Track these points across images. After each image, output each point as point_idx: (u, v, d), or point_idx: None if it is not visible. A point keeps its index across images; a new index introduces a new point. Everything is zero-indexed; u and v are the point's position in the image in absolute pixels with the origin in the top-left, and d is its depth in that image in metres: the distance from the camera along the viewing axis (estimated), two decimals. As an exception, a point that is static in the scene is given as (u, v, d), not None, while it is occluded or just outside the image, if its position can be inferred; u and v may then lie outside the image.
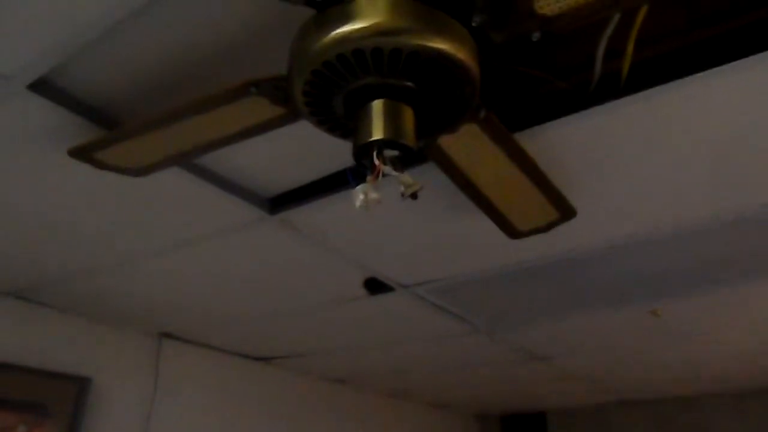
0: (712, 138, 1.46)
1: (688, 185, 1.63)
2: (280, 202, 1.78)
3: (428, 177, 1.54)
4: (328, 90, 0.98)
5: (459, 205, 1.71)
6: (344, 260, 2.08)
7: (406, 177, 0.96)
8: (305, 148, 1.54)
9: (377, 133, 0.93)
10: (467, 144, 1.28)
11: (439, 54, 0.92)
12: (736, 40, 1.27)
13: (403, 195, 0.97)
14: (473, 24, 0.95)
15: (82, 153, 1.41)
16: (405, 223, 1.84)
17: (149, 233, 1.92)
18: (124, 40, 1.24)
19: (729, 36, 1.29)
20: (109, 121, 1.46)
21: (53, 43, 1.23)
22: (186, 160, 1.53)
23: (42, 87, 1.35)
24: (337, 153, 1.53)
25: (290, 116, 1.18)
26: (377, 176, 0.93)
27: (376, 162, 0.93)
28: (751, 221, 1.81)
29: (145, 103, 1.41)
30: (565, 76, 1.38)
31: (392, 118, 0.94)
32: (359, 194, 0.93)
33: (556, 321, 2.65)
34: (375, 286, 2.28)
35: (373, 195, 0.93)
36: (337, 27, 0.91)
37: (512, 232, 1.64)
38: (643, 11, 1.15)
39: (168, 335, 2.98)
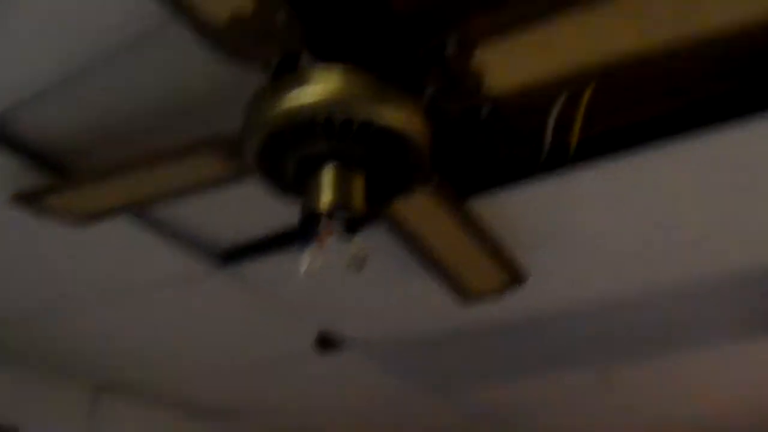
0: (658, 209, 1.51)
1: (636, 253, 1.66)
2: (232, 256, 1.76)
3: (382, 236, 1.54)
4: (279, 154, 0.98)
5: (412, 265, 1.71)
6: (295, 316, 2.05)
7: (354, 244, 0.95)
8: (258, 203, 1.53)
9: (326, 200, 0.93)
10: (419, 209, 1.29)
11: (390, 124, 0.93)
12: (679, 119, 1.33)
13: (350, 264, 0.96)
14: (425, 97, 0.97)
15: (26, 200, 1.37)
16: (358, 281, 1.82)
17: (90, 281, 1.86)
18: (78, 89, 1.23)
19: (673, 114, 1.35)
20: (58, 168, 1.43)
21: (4, 90, 1.21)
22: (136, 210, 1.50)
23: (-10, 132, 1.32)
24: (290, 210, 1.52)
25: (243, 174, 1.18)
26: (324, 243, 0.92)
27: (324, 228, 0.92)
28: (696, 290, 1.86)
29: (98, 152, 1.39)
30: (518, 145, 1.41)
31: (342, 185, 0.95)
32: (305, 261, 0.93)
33: (507, 383, 2.63)
34: (326, 342, 2.24)
35: (319, 263, 0.92)
36: (291, 95, 0.91)
37: (464, 295, 1.64)
38: (588, 91, 1.20)
39: (105, 388, 2.85)
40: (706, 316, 2.04)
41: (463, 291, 1.62)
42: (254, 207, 1.55)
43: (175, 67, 1.15)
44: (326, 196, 0.93)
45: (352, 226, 0.95)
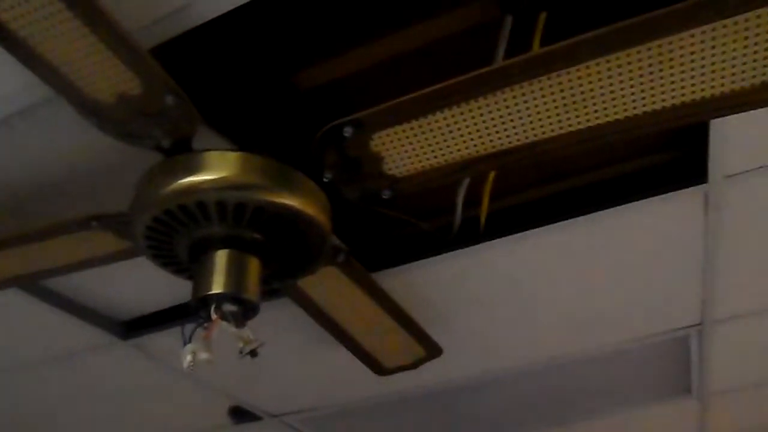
0: (570, 280, 1.53)
1: (549, 323, 1.68)
2: (134, 327, 1.67)
3: (293, 308, 1.49)
4: (169, 235, 0.94)
5: (326, 337, 1.67)
6: (207, 388, 1.95)
7: (246, 333, 0.91)
8: (161, 275, 1.46)
9: (217, 287, 0.89)
10: (327, 285, 1.26)
11: (285, 209, 0.90)
12: (581, 196, 1.37)
13: (241, 352, 0.91)
14: (324, 180, 0.95)
15: None
16: (270, 353, 1.75)
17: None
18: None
19: (579, 191, 1.38)
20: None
21: None
22: (27, 283, 1.41)
23: None
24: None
25: (136, 251, 1.12)
26: (212, 333, 0.87)
27: (213, 316, 0.88)
28: (611, 356, 1.89)
29: (-17, 223, 1.30)
30: (428, 219, 1.41)
31: (235, 271, 0.91)
32: (187, 354, 0.87)
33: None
34: (241, 415, 2.14)
35: (204, 355, 0.87)
36: (182, 177, 0.88)
37: (379, 369, 1.60)
38: (492, 173, 1.21)
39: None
40: (624, 380, 2.07)
41: (378, 366, 1.58)
42: (158, 278, 1.47)
43: (67, 139, 1.10)
44: (217, 284, 0.89)
45: (245, 313, 0.91)
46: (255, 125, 1.09)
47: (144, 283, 1.51)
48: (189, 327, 0.90)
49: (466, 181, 1.26)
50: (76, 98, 0.84)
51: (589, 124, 0.90)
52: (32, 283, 1.45)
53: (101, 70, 0.79)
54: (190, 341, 0.89)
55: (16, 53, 0.79)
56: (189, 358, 0.87)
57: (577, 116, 0.90)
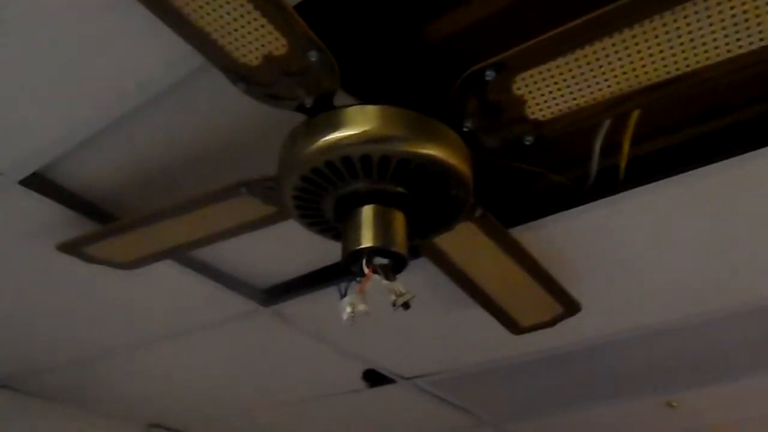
0: (712, 231, 1.42)
1: (692, 278, 1.58)
2: (274, 294, 1.74)
3: (427, 270, 1.50)
4: (317, 194, 0.96)
5: (459, 297, 1.66)
6: (342, 352, 2.01)
7: (398, 286, 0.92)
8: (299, 242, 1.51)
9: (366, 241, 0.90)
10: (464, 242, 1.24)
11: (429, 160, 0.90)
12: (728, 137, 1.26)
13: (394, 304, 0.92)
14: (464, 129, 0.93)
15: (72, 247, 1.39)
16: (404, 315, 1.78)
17: (140, 324, 1.87)
18: (119, 137, 1.24)
19: (722, 133, 1.27)
20: (102, 215, 1.44)
21: (48, 141, 1.23)
22: (177, 254, 1.50)
23: (34, 181, 1.34)
24: (332, 247, 1.49)
25: (282, 215, 1.16)
26: (365, 286, 0.89)
27: (366, 270, 0.89)
28: (757, 312, 1.75)
29: (139, 198, 1.40)
30: (563, 171, 1.36)
31: (382, 225, 0.91)
32: (346, 306, 0.89)
33: (565, 413, 2.53)
34: (375, 378, 2.19)
35: (361, 307, 0.89)
36: (326, 134, 0.89)
37: (515, 327, 1.58)
38: (635, 113, 1.14)
39: (157, 425, 2.87)
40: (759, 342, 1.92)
41: (514, 325, 1.55)
42: (297, 245, 1.53)
43: (211, 112, 1.15)
44: (366, 236, 0.90)
45: (395, 267, 0.92)
46: (388, 81, 1.09)
47: (282, 251, 1.57)
48: (342, 283, 0.92)
49: (606, 126, 1.19)
50: (226, 63, 0.87)
51: (740, 52, 0.82)
52: (179, 254, 1.54)
53: (250, 32, 0.82)
54: (346, 295, 0.91)
55: (168, 19, 0.83)
56: (348, 309, 0.89)
57: (726, 44, 0.82)
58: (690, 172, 1.28)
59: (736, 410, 2.50)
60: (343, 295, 0.91)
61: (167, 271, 1.60)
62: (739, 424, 2.69)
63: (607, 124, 1.17)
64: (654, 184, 1.31)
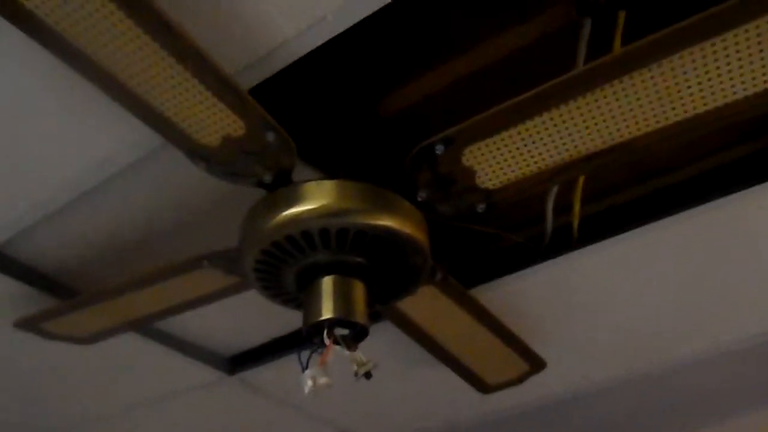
0: (668, 282, 1.48)
1: (650, 327, 1.62)
2: (240, 362, 1.73)
3: (394, 331, 1.51)
4: (277, 266, 0.98)
5: (427, 358, 1.67)
6: (311, 417, 1.98)
7: (359, 356, 0.93)
8: (263, 309, 1.51)
9: (327, 313, 0.92)
10: (426, 305, 1.27)
11: (386, 230, 0.93)
12: (678, 193, 1.33)
13: (356, 374, 0.94)
14: (419, 199, 0.97)
15: (30, 324, 1.37)
16: (374, 377, 1.78)
17: (104, 398, 1.83)
18: (80, 213, 1.25)
19: (672, 189, 1.34)
20: (62, 290, 1.43)
21: (6, 220, 1.23)
22: (139, 327, 1.49)
23: (-8, 259, 1.33)
24: (296, 314, 1.50)
25: (244, 286, 1.17)
26: (327, 358, 0.90)
27: (327, 342, 0.90)
28: (716, 357, 1.80)
29: (100, 273, 1.40)
30: (521, 231, 1.40)
31: (342, 296, 0.93)
32: (307, 379, 0.90)
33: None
34: (346, 441, 2.16)
35: (323, 380, 0.90)
36: (285, 209, 0.92)
37: (483, 386, 1.59)
38: (581, 178, 1.20)
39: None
40: (731, 384, 1.96)
41: (481, 383, 1.57)
42: (261, 313, 1.53)
43: (172, 187, 1.17)
44: (327, 309, 0.92)
45: (356, 336, 0.93)
46: (345, 154, 1.13)
47: (246, 318, 1.57)
48: (304, 354, 0.93)
49: (555, 189, 1.25)
50: (186, 144, 0.90)
51: (678, 118, 0.88)
52: (141, 327, 1.53)
53: (208, 116, 0.85)
54: (307, 367, 0.91)
55: (129, 105, 0.86)
56: (310, 383, 0.90)
57: (664, 112, 0.88)
58: (639, 229, 1.34)
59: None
60: (304, 367, 0.92)
61: (130, 343, 1.58)
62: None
63: (555, 189, 1.22)
64: (607, 240, 1.36)
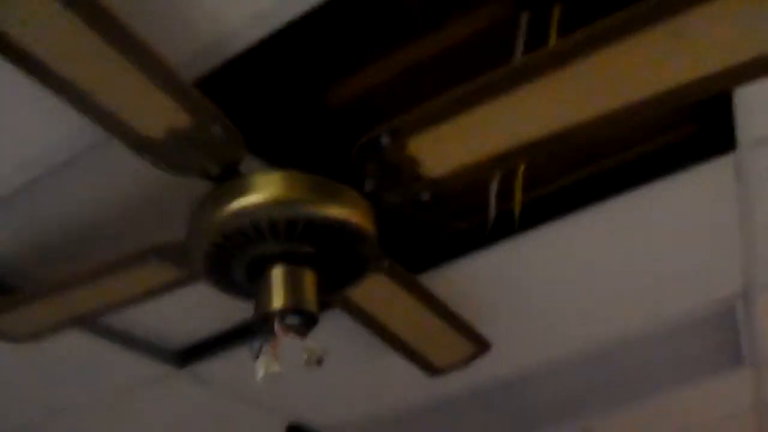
0: (608, 264, 1.55)
1: (590, 310, 1.69)
2: (188, 355, 1.71)
3: (343, 319, 1.53)
4: (227, 258, 0.98)
5: (377, 344, 1.70)
6: (263, 408, 1.99)
7: (310, 344, 0.95)
8: (211, 301, 1.50)
9: (278, 302, 0.93)
10: (375, 292, 1.29)
11: (333, 220, 0.95)
12: (614, 178, 1.39)
13: (307, 362, 0.95)
14: (366, 189, 0.99)
15: (-31, 324, 1.33)
16: (325, 364, 1.80)
17: (51, 396, 1.79)
18: (22, 205, 1.22)
19: (608, 174, 1.40)
20: (2, 287, 1.39)
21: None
22: (84, 323, 1.46)
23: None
24: (244, 306, 1.50)
25: (193, 278, 1.17)
26: (277, 345, 0.91)
27: (278, 331, 0.92)
28: (656, 334, 1.89)
29: (41, 268, 1.36)
30: (465, 218, 1.44)
31: (293, 285, 0.95)
32: (260, 368, 0.91)
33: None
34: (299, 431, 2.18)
35: (274, 368, 0.91)
36: (234, 201, 0.93)
37: (431, 370, 1.63)
38: (522, 167, 1.24)
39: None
40: (673, 357, 2.07)
41: (429, 366, 1.61)
42: (208, 304, 1.52)
43: (117, 179, 1.15)
44: (277, 299, 0.93)
45: (306, 325, 0.95)
46: (293, 145, 1.14)
47: (194, 311, 1.56)
48: (255, 344, 0.94)
49: (497, 176, 1.29)
50: (130, 137, 0.89)
51: (614, 107, 0.93)
52: (91, 322, 1.50)
53: (151, 107, 0.84)
54: (258, 357, 0.93)
55: (70, 98, 0.84)
56: (261, 372, 0.91)
57: (602, 101, 0.93)
58: (577, 213, 1.40)
59: (658, 427, 2.64)
60: (256, 356, 0.93)
61: (76, 339, 1.55)
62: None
63: (497, 177, 1.26)
64: (547, 225, 1.42)
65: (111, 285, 1.23)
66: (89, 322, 1.49)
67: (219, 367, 1.73)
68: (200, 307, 1.54)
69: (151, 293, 1.24)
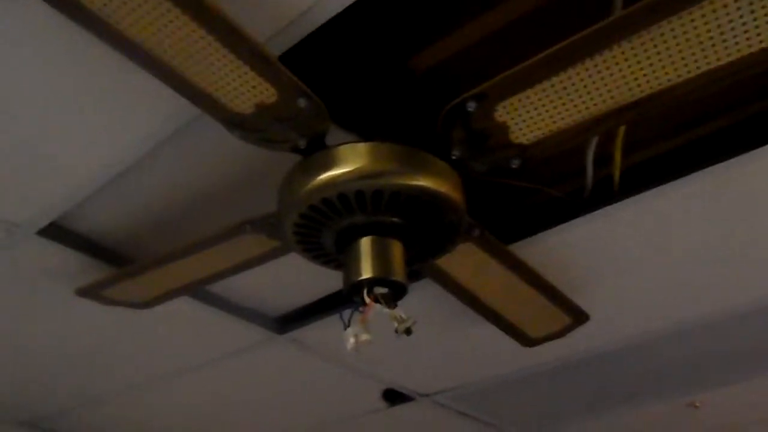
0: (709, 233, 1.44)
1: (695, 281, 1.59)
2: (289, 321, 1.78)
3: (436, 288, 1.53)
4: (316, 229, 1.00)
5: (470, 313, 1.69)
6: (359, 374, 2.04)
7: (399, 313, 0.95)
8: (309, 269, 1.55)
9: (366, 272, 0.94)
10: (466, 262, 1.28)
11: (420, 190, 0.94)
12: (714, 143, 1.29)
13: (396, 331, 0.96)
14: (453, 158, 0.97)
15: (90, 292, 1.45)
16: (418, 333, 1.80)
17: (158, 360, 1.92)
18: (129, 185, 1.30)
19: (707, 139, 1.30)
20: (116, 259, 1.50)
21: (63, 194, 1.29)
22: (191, 291, 1.55)
23: (50, 231, 1.40)
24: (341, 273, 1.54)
25: (286, 249, 1.20)
26: (367, 316, 0.93)
27: (367, 300, 0.93)
28: (764, 310, 1.76)
29: (151, 241, 1.45)
30: (560, 185, 1.39)
31: (380, 256, 0.95)
32: (349, 337, 0.93)
33: (585, 420, 2.53)
34: (394, 396, 2.22)
35: (364, 336, 0.93)
36: (320, 173, 0.94)
37: (526, 340, 1.60)
38: (622, 129, 1.17)
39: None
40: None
41: (523, 337, 1.58)
42: (307, 273, 1.57)
43: (212, 156, 1.20)
44: (366, 267, 0.94)
45: (395, 295, 0.96)
46: (379, 115, 1.13)
47: (293, 279, 1.61)
48: (346, 313, 0.96)
49: (595, 141, 1.23)
50: (221, 114, 0.92)
51: (719, 63, 0.85)
52: (193, 291, 1.59)
53: (241, 85, 0.87)
54: (349, 325, 0.94)
55: (166, 79, 0.88)
56: (351, 340, 0.93)
57: (706, 57, 0.85)
58: (681, 179, 1.31)
59: (760, 408, 2.49)
60: (346, 325, 0.95)
61: (183, 307, 1.65)
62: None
63: (596, 139, 1.20)
64: (648, 191, 1.34)
65: (212, 256, 1.29)
66: (195, 291, 1.58)
67: (318, 333, 1.79)
68: (300, 276, 1.59)
69: (249, 263, 1.29)
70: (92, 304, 1.53)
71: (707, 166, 1.28)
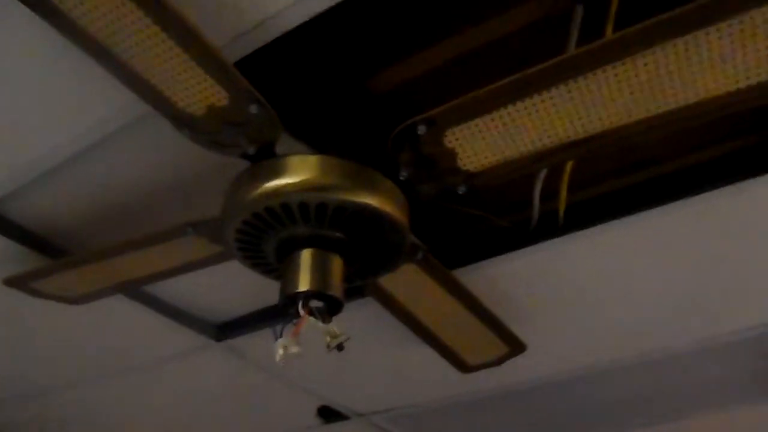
0: (653, 271, 1.48)
1: (635, 317, 1.63)
2: (227, 329, 1.75)
3: (376, 307, 1.53)
4: (257, 237, 0.99)
5: (409, 335, 1.69)
6: (296, 388, 2.02)
7: (332, 328, 0.95)
8: (252, 278, 1.53)
9: (303, 285, 0.93)
10: (408, 283, 1.28)
11: (365, 207, 0.94)
12: (665, 185, 1.33)
13: (328, 347, 0.96)
14: (401, 179, 0.98)
15: (19, 282, 1.39)
16: (358, 351, 1.81)
17: (91, 361, 1.86)
18: (70, 175, 1.27)
19: (661, 179, 1.35)
20: (52, 250, 1.45)
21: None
22: (128, 289, 1.51)
23: (-17, 217, 1.35)
24: (283, 285, 1.52)
25: (228, 255, 1.19)
26: (300, 329, 0.92)
27: (301, 313, 0.92)
28: (703, 351, 1.81)
29: (91, 236, 1.41)
30: (507, 214, 1.41)
31: (319, 269, 0.95)
32: (279, 348, 0.92)
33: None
34: (329, 414, 2.20)
35: (294, 349, 0.92)
36: (266, 181, 0.93)
37: (462, 366, 1.61)
38: (569, 164, 1.20)
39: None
40: (710, 380, 1.98)
41: (460, 363, 1.59)
42: (249, 281, 1.55)
43: (160, 153, 1.18)
44: (303, 282, 0.94)
45: (330, 309, 0.95)
46: (332, 130, 1.14)
47: (235, 287, 1.59)
48: (279, 324, 0.95)
49: (543, 174, 1.25)
50: (171, 112, 0.91)
51: (668, 107, 0.88)
52: (129, 290, 1.55)
53: (193, 85, 0.86)
54: (281, 337, 0.93)
55: (118, 73, 0.87)
56: (281, 352, 0.92)
57: (654, 101, 0.88)
58: (626, 218, 1.34)
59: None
60: (278, 337, 0.94)
61: (118, 306, 1.60)
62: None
63: (544, 171, 1.23)
64: (593, 228, 1.37)
65: (152, 256, 1.26)
66: (131, 290, 1.54)
67: (257, 343, 1.76)
68: (242, 284, 1.56)
69: (189, 266, 1.27)
70: (22, 297, 1.48)
71: (653, 206, 1.32)
